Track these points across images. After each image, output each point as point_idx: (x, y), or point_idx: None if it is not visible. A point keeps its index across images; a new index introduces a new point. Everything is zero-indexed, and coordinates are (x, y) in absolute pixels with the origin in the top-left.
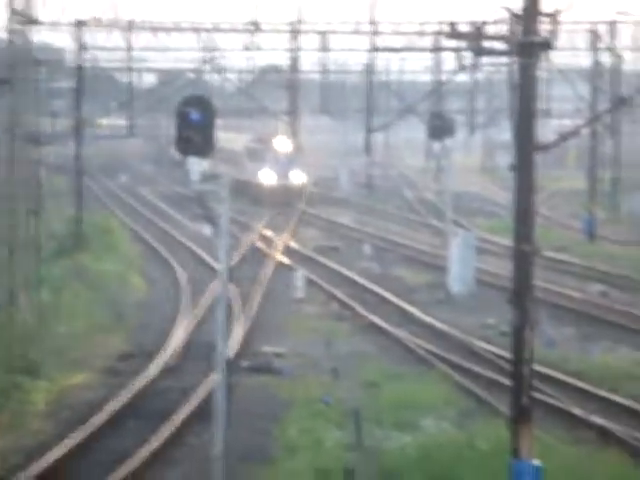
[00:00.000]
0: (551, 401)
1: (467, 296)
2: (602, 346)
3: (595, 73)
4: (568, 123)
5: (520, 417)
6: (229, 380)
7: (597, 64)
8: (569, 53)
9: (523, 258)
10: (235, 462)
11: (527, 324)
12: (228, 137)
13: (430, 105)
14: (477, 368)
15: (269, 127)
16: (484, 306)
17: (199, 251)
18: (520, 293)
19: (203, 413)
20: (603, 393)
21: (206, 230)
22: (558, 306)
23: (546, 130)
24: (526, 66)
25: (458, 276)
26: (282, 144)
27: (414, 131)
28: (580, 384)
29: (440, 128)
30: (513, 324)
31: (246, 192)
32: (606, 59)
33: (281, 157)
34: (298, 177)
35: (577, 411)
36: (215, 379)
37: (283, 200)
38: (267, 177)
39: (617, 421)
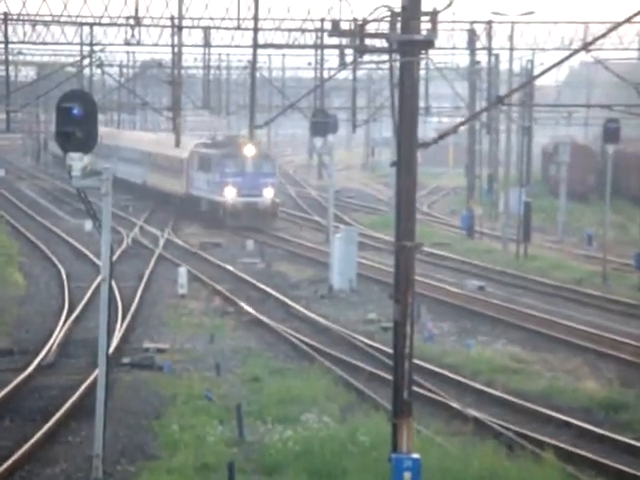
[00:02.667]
0: (430, 395)
1: (349, 291)
2: (479, 340)
3: (472, 72)
4: (447, 121)
5: (400, 411)
6: (110, 377)
7: (474, 63)
8: (447, 52)
9: (404, 253)
10: (115, 460)
11: (408, 319)
12: (162, 139)
13: (313, 102)
14: (359, 363)
15: (226, 127)
16: (366, 301)
17: (79, 246)
18: (401, 288)
19: (82, 410)
20: (479, 386)
21: (88, 226)
22: (438, 301)
23: (426, 128)
24: (407, 64)
25: (340, 271)
26: (248, 149)
27: (298, 128)
28: (458, 377)
29: (322, 124)
30: (394, 319)
31: (196, 210)
32: (483, 58)
33: (248, 167)
34: (268, 193)
35: (455, 404)
36: (96, 376)
37: (250, 223)
38: (229, 193)
39: (492, 413)
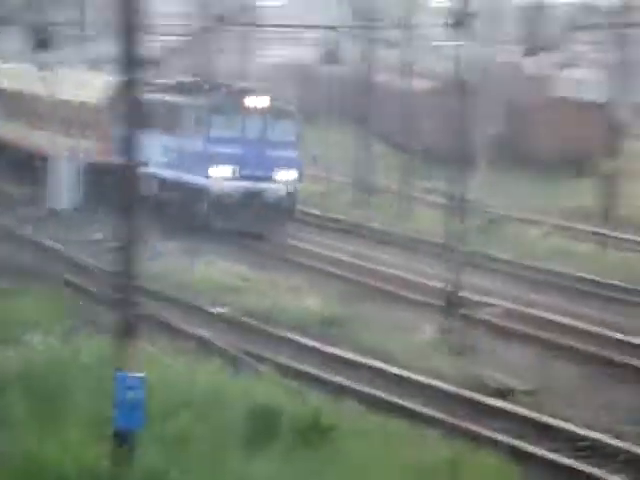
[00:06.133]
0: (156, 315)
1: (73, 212)
2: (206, 259)
3: None
4: (171, 39)
5: (125, 331)
6: None
7: None
8: None
9: (129, 173)
10: None
11: (134, 239)
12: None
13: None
14: (84, 284)
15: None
16: (92, 221)
17: None
18: (127, 208)
19: None
20: (203, 305)
21: None
22: (165, 220)
23: (152, 46)
24: None
25: (64, 192)
26: (255, 100)
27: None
28: (184, 297)
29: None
30: (120, 239)
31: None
32: None
33: (253, 131)
34: (284, 176)
35: (180, 324)
36: None
37: (250, 225)
38: (219, 173)
39: (217, 331)
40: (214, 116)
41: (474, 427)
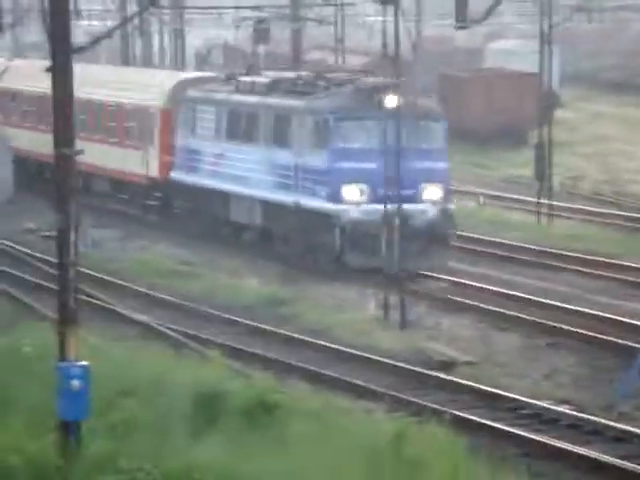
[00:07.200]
0: (97, 302)
1: (5, 202)
2: (142, 244)
3: None
4: (97, 24)
5: (66, 319)
6: None
7: None
8: None
9: (64, 162)
10: None
11: (71, 227)
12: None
13: None
14: (21, 274)
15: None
16: (24, 212)
17: None
18: (63, 197)
19: None
20: (144, 290)
21: None
22: (100, 210)
23: (77, 32)
24: None
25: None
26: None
27: None
28: (123, 283)
29: None
30: (57, 227)
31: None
32: None
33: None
34: (433, 193)
35: (121, 309)
36: None
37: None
38: (350, 196)
39: (158, 316)
40: (340, 122)
41: (418, 400)
